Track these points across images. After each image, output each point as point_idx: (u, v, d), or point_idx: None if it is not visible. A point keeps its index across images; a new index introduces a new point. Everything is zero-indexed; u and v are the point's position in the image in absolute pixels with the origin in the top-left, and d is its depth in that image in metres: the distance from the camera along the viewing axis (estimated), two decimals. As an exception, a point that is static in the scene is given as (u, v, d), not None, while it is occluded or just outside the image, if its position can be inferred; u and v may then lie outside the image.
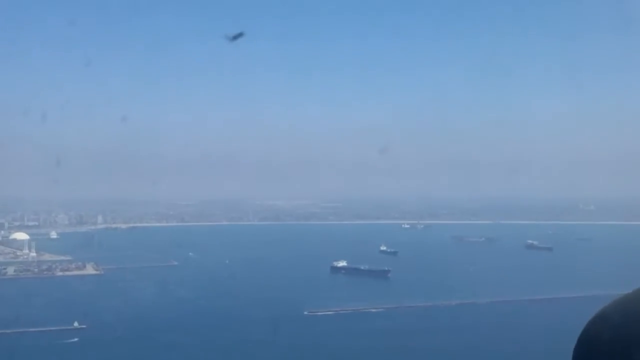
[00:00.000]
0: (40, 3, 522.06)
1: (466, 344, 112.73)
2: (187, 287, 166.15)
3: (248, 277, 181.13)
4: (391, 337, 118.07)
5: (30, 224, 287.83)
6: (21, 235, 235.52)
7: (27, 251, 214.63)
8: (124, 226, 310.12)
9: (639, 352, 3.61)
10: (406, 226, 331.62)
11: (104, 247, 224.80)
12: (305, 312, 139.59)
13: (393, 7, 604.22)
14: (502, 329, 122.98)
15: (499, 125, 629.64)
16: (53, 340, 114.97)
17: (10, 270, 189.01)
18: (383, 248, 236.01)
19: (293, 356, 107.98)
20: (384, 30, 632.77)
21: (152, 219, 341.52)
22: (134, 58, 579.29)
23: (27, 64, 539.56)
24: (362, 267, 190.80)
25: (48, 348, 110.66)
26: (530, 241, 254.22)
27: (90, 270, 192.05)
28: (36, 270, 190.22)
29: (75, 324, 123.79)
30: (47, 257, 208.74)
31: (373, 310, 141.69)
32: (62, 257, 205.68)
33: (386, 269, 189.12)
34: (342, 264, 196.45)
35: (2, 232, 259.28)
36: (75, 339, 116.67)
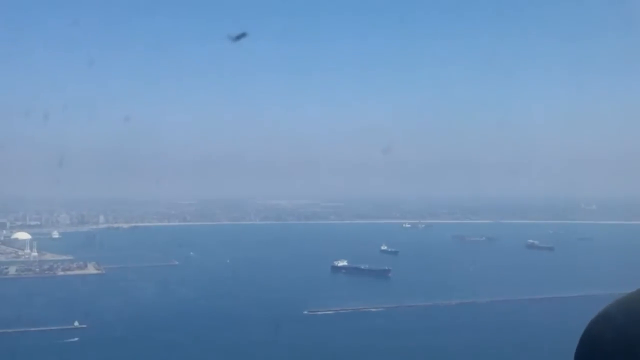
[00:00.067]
0: (43, 4, 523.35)
1: (466, 344, 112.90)
2: (188, 286, 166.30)
3: (249, 277, 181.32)
4: (391, 336, 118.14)
5: (32, 223, 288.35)
6: (23, 235, 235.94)
7: (28, 251, 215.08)
8: (125, 226, 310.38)
9: None
10: (407, 226, 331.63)
11: (105, 246, 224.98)
12: (305, 312, 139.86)
13: (394, 6, 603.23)
14: (502, 328, 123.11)
15: (500, 125, 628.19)
16: (53, 339, 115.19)
17: (12, 270, 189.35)
18: (384, 247, 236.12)
19: (292, 356, 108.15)
20: (385, 30, 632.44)
21: (154, 218, 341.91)
22: (135, 58, 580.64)
23: (28, 64, 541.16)
24: (363, 267, 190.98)
25: (48, 347, 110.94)
26: (531, 241, 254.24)
27: (91, 269, 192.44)
28: (38, 269, 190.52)
29: (76, 323, 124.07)
30: (48, 256, 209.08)
31: (373, 309, 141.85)
32: (64, 257, 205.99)
33: (387, 268, 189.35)
34: (342, 263, 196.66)
35: (4, 231, 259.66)
36: (76, 339, 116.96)
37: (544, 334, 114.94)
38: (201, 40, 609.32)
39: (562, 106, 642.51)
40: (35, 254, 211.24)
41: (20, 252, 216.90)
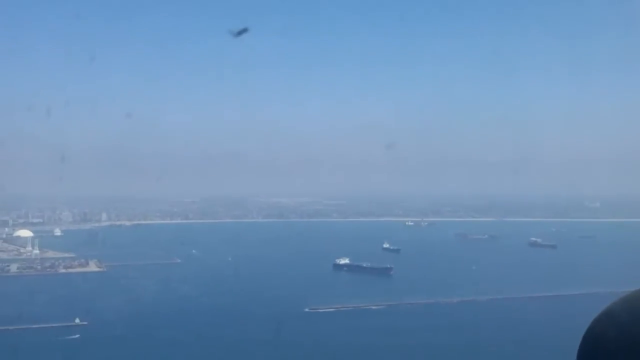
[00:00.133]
0: (44, 0, 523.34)
1: (466, 342, 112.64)
2: (190, 284, 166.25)
3: (250, 275, 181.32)
4: (390, 334, 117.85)
5: (35, 221, 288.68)
6: (25, 233, 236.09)
7: (30, 248, 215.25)
8: (127, 223, 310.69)
9: None
10: (410, 224, 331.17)
11: (107, 244, 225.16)
12: (307, 309, 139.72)
13: (396, 4, 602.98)
14: (503, 326, 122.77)
15: (503, 123, 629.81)
16: (54, 336, 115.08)
17: (14, 268, 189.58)
18: (386, 245, 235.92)
19: (292, 353, 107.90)
20: (387, 28, 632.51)
21: (156, 216, 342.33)
22: (137, 55, 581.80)
23: (30, 61, 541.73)
24: (365, 265, 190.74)
25: (49, 344, 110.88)
26: (533, 239, 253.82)
27: (93, 267, 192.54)
28: (39, 267, 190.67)
29: (77, 320, 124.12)
30: (50, 254, 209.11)
31: (374, 307, 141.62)
32: (66, 255, 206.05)
33: (388, 266, 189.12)
34: (344, 261, 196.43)
35: (6, 229, 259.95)
36: (77, 336, 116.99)
37: (545, 331, 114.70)
38: (203, 37, 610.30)
39: (566, 104, 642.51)
40: (37, 251, 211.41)
41: (22, 250, 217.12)
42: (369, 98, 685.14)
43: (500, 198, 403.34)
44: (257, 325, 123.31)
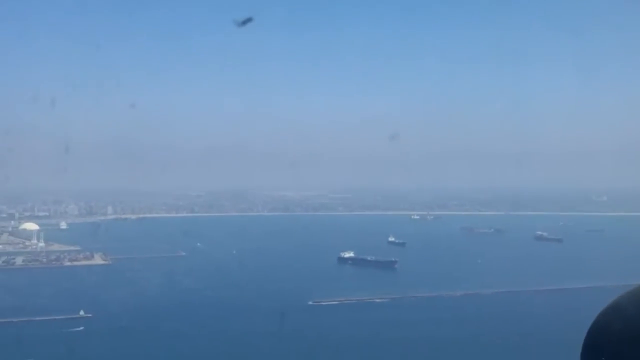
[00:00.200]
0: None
1: (468, 335, 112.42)
2: (194, 277, 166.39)
3: (255, 268, 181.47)
4: (393, 327, 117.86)
5: (41, 214, 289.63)
6: (31, 226, 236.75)
7: (35, 241, 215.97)
8: (133, 217, 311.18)
9: None
10: (415, 217, 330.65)
11: (112, 237, 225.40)
12: (310, 302, 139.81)
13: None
14: (506, 319, 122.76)
15: (509, 116, 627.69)
16: (59, 328, 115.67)
17: (19, 260, 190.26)
18: (391, 239, 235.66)
19: (295, 345, 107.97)
20: (392, 21, 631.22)
21: (162, 209, 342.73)
22: (142, 47, 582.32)
23: (35, 53, 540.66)
24: (369, 258, 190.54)
25: (54, 336, 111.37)
26: (539, 232, 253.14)
27: (98, 260, 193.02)
28: (44, 260, 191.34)
29: (82, 312, 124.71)
30: (55, 247, 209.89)
31: (378, 300, 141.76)
32: (71, 247, 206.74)
33: (393, 259, 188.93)
34: (349, 254, 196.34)
35: (12, 222, 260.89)
36: (81, 328, 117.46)
37: (549, 324, 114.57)
38: (208, 29, 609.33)
39: (572, 96, 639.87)
40: (42, 244, 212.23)
41: (27, 243, 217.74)
42: (374, 91, 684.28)
43: (507, 192, 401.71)
44: (260, 318, 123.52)
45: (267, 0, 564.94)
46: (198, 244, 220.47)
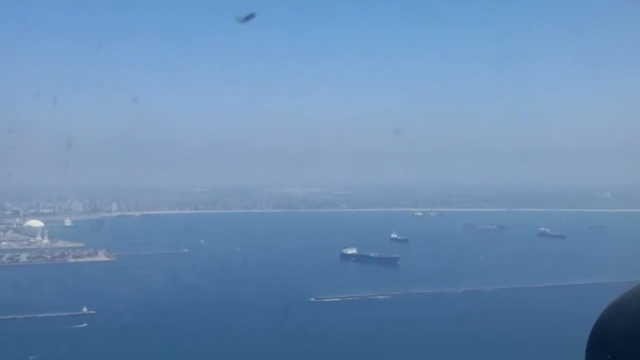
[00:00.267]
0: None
1: (468, 331, 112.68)
2: (197, 274, 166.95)
3: (258, 265, 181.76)
4: (396, 323, 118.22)
5: (45, 211, 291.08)
6: (35, 223, 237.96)
7: (40, 238, 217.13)
8: (137, 214, 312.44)
9: None
10: (419, 214, 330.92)
11: (116, 234, 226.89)
12: (312, 299, 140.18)
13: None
14: (508, 315, 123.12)
15: (513, 113, 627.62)
16: (62, 325, 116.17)
17: (23, 257, 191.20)
18: (394, 236, 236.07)
19: (296, 342, 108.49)
20: (395, 17, 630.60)
21: (166, 206, 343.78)
22: (144, 44, 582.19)
23: (38, 50, 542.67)
24: (372, 255, 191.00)
25: (57, 333, 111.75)
26: (542, 229, 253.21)
27: (102, 257, 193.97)
28: (49, 257, 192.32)
29: (85, 309, 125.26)
30: (60, 244, 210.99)
31: (380, 297, 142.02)
32: (75, 244, 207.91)
33: (396, 256, 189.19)
34: (352, 251, 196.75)
35: (17, 219, 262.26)
36: (84, 325, 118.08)
37: (550, 320, 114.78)
38: (211, 26, 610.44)
39: (575, 93, 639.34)
40: (46, 241, 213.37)
41: (32, 240, 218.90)
42: (378, 88, 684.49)
43: (510, 188, 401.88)
44: (263, 315, 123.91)
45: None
46: (202, 240, 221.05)
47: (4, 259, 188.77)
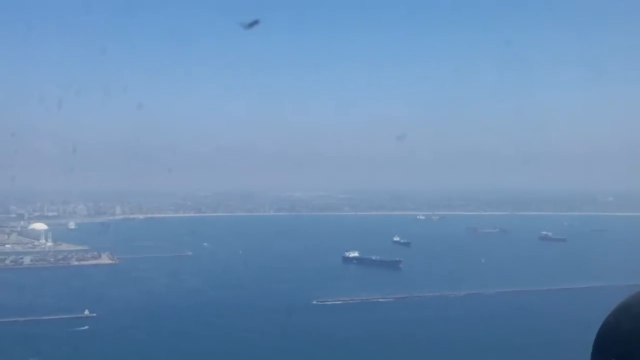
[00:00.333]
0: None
1: (471, 334, 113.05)
2: (200, 277, 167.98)
3: (260, 267, 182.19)
4: (397, 326, 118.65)
5: (50, 214, 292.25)
6: (39, 226, 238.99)
7: (44, 241, 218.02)
8: (141, 217, 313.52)
9: None
10: (421, 217, 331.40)
11: (120, 237, 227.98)
12: (314, 302, 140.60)
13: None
14: (509, 318, 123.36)
15: (515, 117, 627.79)
16: (64, 327, 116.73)
17: (27, 260, 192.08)
18: (396, 239, 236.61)
19: (298, 344, 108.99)
20: (398, 23, 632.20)
21: (169, 209, 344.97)
22: (150, 49, 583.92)
23: (42, 55, 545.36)
24: (374, 258, 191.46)
25: (58, 336, 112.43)
26: (544, 232, 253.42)
27: (105, 259, 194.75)
28: (52, 259, 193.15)
29: (86, 312, 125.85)
30: (64, 246, 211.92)
31: (381, 300, 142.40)
32: (79, 247, 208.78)
33: (397, 259, 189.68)
34: (354, 254, 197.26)
35: (22, 222, 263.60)
36: (86, 327, 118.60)
37: (551, 323, 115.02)
38: (215, 32, 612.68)
39: (578, 98, 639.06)
40: (50, 244, 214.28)
41: (36, 243, 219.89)
42: (380, 92, 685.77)
43: (513, 192, 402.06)
44: (265, 318, 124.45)
45: (274, 3, 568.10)
46: (205, 243, 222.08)
47: (7, 261, 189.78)
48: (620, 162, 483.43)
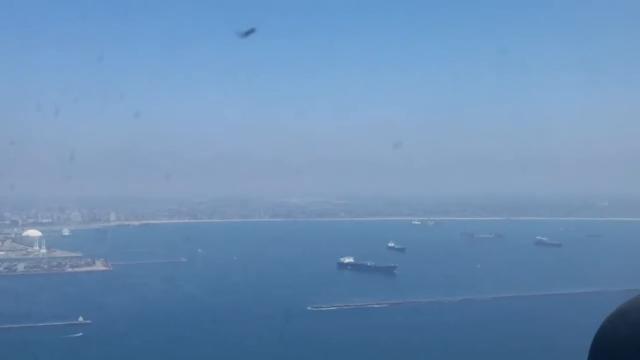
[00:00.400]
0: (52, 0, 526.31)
1: (465, 340, 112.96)
2: (194, 283, 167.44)
3: (255, 274, 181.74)
4: (392, 332, 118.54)
5: (44, 221, 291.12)
6: (33, 233, 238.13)
7: (37, 248, 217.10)
8: (136, 223, 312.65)
9: None
10: (416, 223, 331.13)
11: (115, 243, 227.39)
12: (309, 308, 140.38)
13: (403, 4, 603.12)
14: (504, 324, 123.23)
15: (512, 122, 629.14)
16: (58, 334, 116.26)
17: (21, 267, 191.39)
18: (391, 244, 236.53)
19: (293, 350, 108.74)
20: (395, 28, 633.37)
21: (164, 216, 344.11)
22: (145, 55, 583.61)
23: (38, 62, 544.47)
24: (369, 263, 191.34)
25: (53, 342, 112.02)
26: (539, 237, 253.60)
27: (99, 266, 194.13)
28: (46, 266, 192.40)
29: (80, 319, 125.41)
30: (57, 253, 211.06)
31: (376, 305, 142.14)
32: (73, 254, 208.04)
33: (392, 265, 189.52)
34: (348, 260, 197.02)
35: (16, 229, 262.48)
36: (80, 334, 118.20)
37: (546, 329, 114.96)
38: (211, 37, 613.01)
39: (574, 103, 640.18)
40: (44, 251, 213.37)
41: (30, 249, 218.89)
42: (375, 98, 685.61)
43: (509, 197, 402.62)
44: (260, 324, 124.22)
45: (271, 9, 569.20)
46: (199, 250, 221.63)
47: (1, 268, 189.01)
48: (616, 166, 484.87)
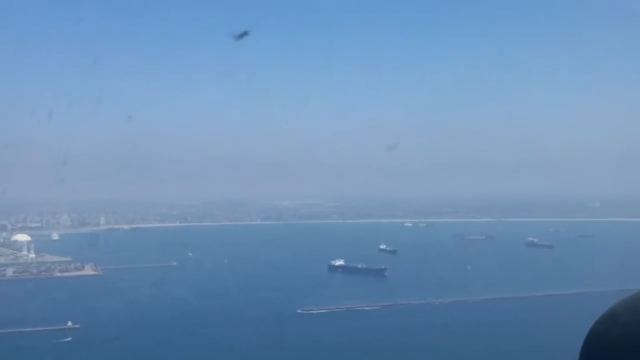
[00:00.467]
0: (47, 2, 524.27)
1: (456, 342, 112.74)
2: (184, 286, 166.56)
3: (246, 277, 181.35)
4: (382, 334, 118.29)
5: (33, 225, 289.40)
6: (22, 237, 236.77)
7: (26, 252, 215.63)
8: (126, 227, 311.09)
9: None
10: (408, 225, 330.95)
11: (104, 247, 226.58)
12: (299, 310, 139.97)
13: (400, 4, 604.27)
14: (494, 325, 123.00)
15: (504, 123, 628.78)
16: (46, 339, 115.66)
17: (9, 272, 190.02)
18: (382, 247, 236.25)
19: (282, 353, 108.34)
20: (390, 29, 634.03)
21: (155, 219, 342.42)
22: (138, 58, 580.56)
23: (32, 64, 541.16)
24: (360, 266, 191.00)
25: (41, 347, 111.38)
26: (530, 239, 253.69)
27: (89, 270, 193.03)
28: (35, 271, 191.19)
29: (69, 323, 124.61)
30: (47, 258, 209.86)
31: (367, 307, 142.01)
32: (62, 258, 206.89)
33: (383, 267, 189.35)
34: (339, 262, 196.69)
35: (4, 233, 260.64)
36: (69, 339, 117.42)
37: (536, 330, 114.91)
38: (204, 39, 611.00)
39: (566, 104, 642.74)
40: (33, 255, 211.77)
41: (18, 254, 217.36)
42: (368, 100, 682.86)
43: (501, 198, 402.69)
44: (250, 327, 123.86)
45: (267, 9, 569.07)
46: (190, 253, 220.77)
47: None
48: (607, 167, 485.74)
